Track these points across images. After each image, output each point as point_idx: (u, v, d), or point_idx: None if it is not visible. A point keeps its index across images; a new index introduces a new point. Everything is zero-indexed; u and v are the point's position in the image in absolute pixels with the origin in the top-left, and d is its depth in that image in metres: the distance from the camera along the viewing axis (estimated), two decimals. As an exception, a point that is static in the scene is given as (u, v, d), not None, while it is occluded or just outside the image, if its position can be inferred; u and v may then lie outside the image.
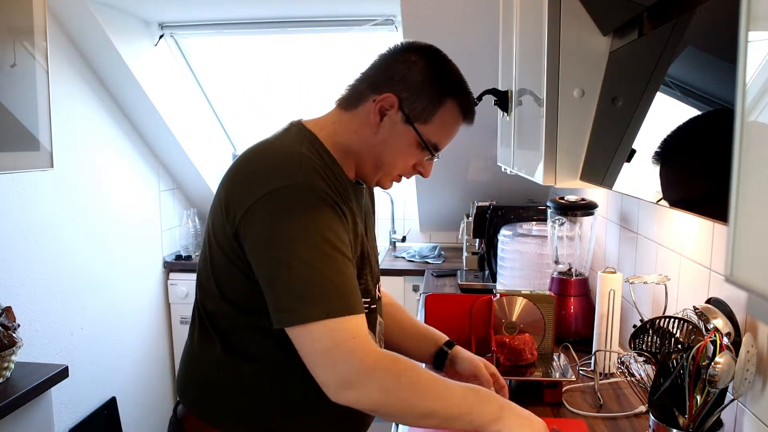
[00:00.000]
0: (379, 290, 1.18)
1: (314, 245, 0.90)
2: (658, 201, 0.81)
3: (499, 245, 2.21)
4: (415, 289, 2.93)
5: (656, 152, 0.82)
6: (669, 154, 0.80)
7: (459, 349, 1.29)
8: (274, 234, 0.91)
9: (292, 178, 0.92)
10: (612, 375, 1.55)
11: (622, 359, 1.24)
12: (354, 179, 1.09)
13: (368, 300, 1.07)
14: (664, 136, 0.81)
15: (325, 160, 1.01)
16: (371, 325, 1.09)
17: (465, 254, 2.75)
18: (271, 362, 1.01)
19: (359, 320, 0.91)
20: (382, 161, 1.04)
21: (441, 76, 1.01)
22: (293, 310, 0.89)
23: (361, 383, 0.89)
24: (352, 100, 1.04)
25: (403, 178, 1.12)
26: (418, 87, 1.00)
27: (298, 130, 1.04)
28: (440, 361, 1.29)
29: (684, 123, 0.78)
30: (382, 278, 1.34)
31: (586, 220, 1.88)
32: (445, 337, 1.32)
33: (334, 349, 0.88)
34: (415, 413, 0.92)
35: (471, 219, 2.59)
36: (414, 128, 1.01)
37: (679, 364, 1.04)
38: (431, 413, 0.92)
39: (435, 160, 1.10)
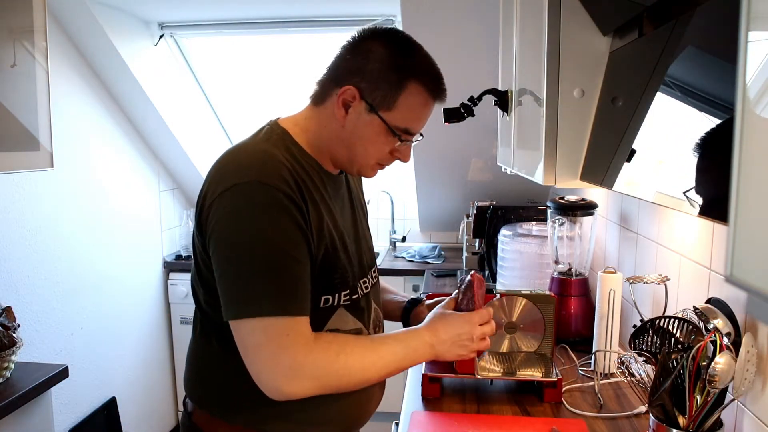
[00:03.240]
0: (373, 277, 1.20)
1: (259, 245, 0.92)
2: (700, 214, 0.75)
3: (499, 245, 2.21)
4: (415, 289, 2.93)
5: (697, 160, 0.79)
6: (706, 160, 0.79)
7: (422, 309, 1.32)
8: (224, 231, 0.94)
9: (249, 176, 0.94)
10: (612, 375, 1.55)
11: (622, 359, 1.24)
12: (338, 171, 1.13)
13: (347, 292, 1.07)
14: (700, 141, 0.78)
15: (294, 155, 1.02)
16: (359, 315, 1.11)
17: (465, 254, 2.75)
18: None
19: (295, 321, 0.93)
20: (355, 152, 1.05)
21: (399, 60, 1.00)
22: (232, 305, 0.93)
23: (292, 379, 0.93)
24: (319, 95, 1.06)
25: (390, 165, 1.13)
26: (377, 75, 0.99)
27: (269, 128, 1.07)
28: (406, 319, 1.34)
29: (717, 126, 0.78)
30: (383, 278, 1.34)
31: (586, 220, 1.88)
32: (404, 299, 1.37)
33: (266, 345, 0.92)
34: (352, 386, 1.00)
35: (471, 219, 2.59)
36: (379, 116, 1.01)
37: (679, 364, 1.04)
38: (368, 379, 1.01)
39: (415, 142, 1.09)
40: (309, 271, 0.98)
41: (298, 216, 0.95)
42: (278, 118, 1.11)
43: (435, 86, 1.03)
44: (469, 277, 1.21)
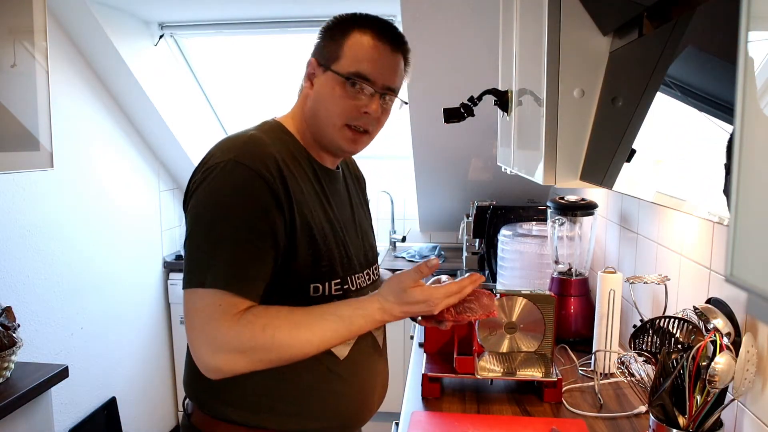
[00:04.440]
0: (373, 275, 1.19)
1: (219, 221, 0.95)
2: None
3: (499, 245, 2.21)
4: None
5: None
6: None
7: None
8: (195, 207, 0.98)
9: (227, 156, 0.97)
10: (612, 375, 1.55)
11: (622, 359, 1.24)
12: (336, 167, 1.15)
13: (338, 282, 1.07)
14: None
15: (286, 144, 1.06)
16: None
17: (465, 254, 2.75)
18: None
19: (232, 297, 0.93)
20: (320, 118, 1.06)
21: (341, 18, 1.07)
22: (184, 275, 0.96)
23: (216, 352, 0.93)
24: (300, 86, 1.12)
25: (365, 127, 1.08)
26: (323, 37, 1.08)
27: (264, 122, 1.11)
28: None
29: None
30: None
31: (586, 220, 1.88)
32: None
33: (197, 316, 0.93)
34: (288, 359, 0.97)
35: (471, 219, 2.59)
36: (331, 71, 1.04)
37: (679, 364, 1.04)
38: (306, 353, 0.97)
39: (382, 95, 1.06)
40: (272, 255, 0.97)
41: (270, 198, 0.96)
42: (276, 116, 1.15)
43: (380, 28, 1.05)
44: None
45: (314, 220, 1.04)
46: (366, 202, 1.32)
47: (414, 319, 1.18)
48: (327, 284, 1.05)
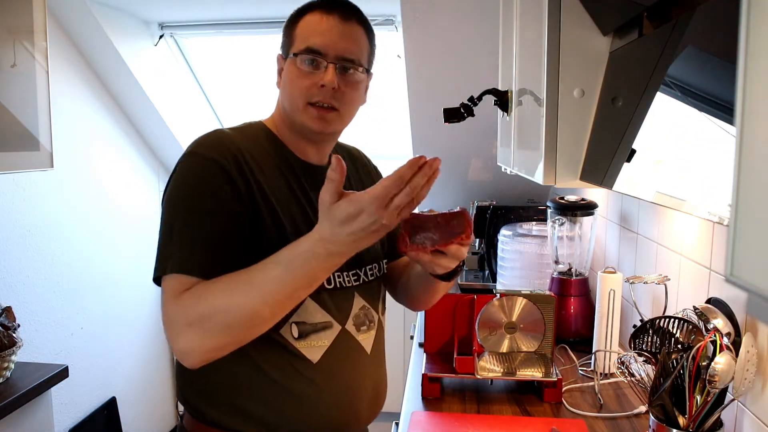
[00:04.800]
0: (368, 274, 1.12)
1: (174, 209, 0.96)
2: None
3: (499, 245, 2.21)
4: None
5: None
6: None
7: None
8: (164, 196, 1.01)
9: (190, 149, 1.00)
10: (612, 375, 1.55)
11: (622, 359, 1.24)
12: (326, 163, 1.11)
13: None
14: None
15: (260, 140, 1.07)
16: (330, 308, 1.03)
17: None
18: (244, 357, 0.99)
19: (188, 278, 0.91)
20: (287, 105, 1.07)
21: (296, 10, 1.08)
22: (156, 263, 0.96)
23: (171, 331, 0.91)
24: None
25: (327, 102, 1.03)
26: (283, 33, 1.09)
27: (246, 122, 1.12)
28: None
29: None
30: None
31: (586, 220, 1.88)
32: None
33: (164, 303, 0.92)
34: (237, 322, 0.87)
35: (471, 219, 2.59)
36: (288, 57, 1.05)
37: (679, 364, 1.04)
38: (253, 310, 0.87)
39: (328, 64, 1.01)
40: (232, 235, 0.95)
41: (224, 181, 0.96)
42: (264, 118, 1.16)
43: (328, 3, 1.04)
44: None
45: (285, 213, 1.01)
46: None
47: (403, 252, 0.93)
48: None
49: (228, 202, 0.96)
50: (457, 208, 0.94)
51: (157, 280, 0.96)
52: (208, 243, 0.94)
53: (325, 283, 1.03)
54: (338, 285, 1.06)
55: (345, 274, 1.08)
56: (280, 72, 1.09)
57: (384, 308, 1.20)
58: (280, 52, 1.09)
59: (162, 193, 1.04)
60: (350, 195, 0.83)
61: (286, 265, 0.86)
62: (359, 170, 1.23)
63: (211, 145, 1.00)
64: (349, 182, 1.16)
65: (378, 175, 1.27)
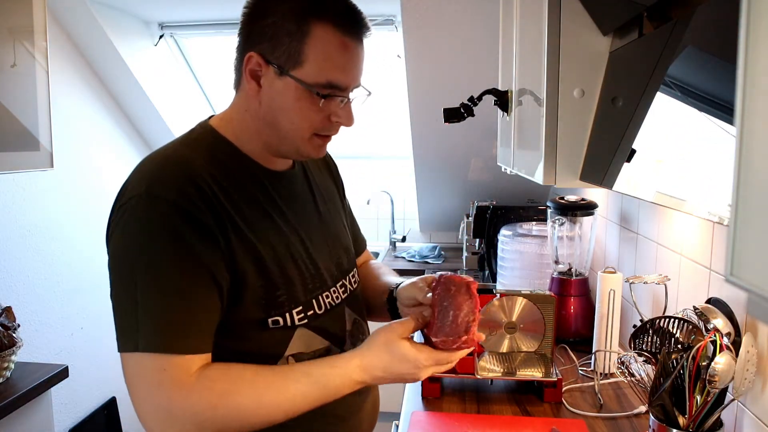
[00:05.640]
0: (352, 282, 1.07)
1: (140, 271, 0.81)
2: None
3: (499, 245, 2.21)
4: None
5: None
6: None
7: (401, 288, 1.10)
8: (112, 252, 0.85)
9: (141, 188, 0.83)
10: (612, 375, 1.55)
11: (622, 359, 1.24)
12: (291, 165, 1.02)
13: (300, 309, 0.93)
14: None
15: (217, 156, 0.91)
16: (326, 333, 0.98)
17: (465, 254, 2.75)
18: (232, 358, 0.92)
19: (176, 358, 0.81)
20: (282, 129, 0.90)
21: (294, 3, 0.85)
22: (117, 336, 0.83)
23: (165, 421, 0.82)
24: (235, 78, 0.93)
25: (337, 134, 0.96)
26: (274, 29, 0.85)
27: (192, 129, 0.97)
28: (394, 310, 1.12)
29: None
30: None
31: (586, 220, 1.88)
32: (393, 282, 1.14)
33: (142, 383, 0.82)
34: (250, 428, 0.84)
35: (471, 219, 2.59)
36: (291, 77, 0.85)
37: (679, 364, 1.04)
38: (273, 421, 0.85)
39: (354, 99, 0.92)
40: (214, 298, 0.84)
41: (196, 235, 0.82)
42: (212, 116, 0.99)
43: (347, 21, 0.86)
44: (442, 278, 0.97)
45: (262, 242, 0.89)
46: (340, 191, 1.18)
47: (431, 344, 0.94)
48: (288, 315, 0.91)
49: (204, 256, 0.82)
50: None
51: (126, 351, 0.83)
52: (190, 312, 0.82)
53: (317, 311, 0.96)
54: (328, 306, 0.99)
55: (333, 289, 1.01)
56: (254, 75, 0.88)
57: (366, 314, 1.15)
58: (259, 53, 0.86)
59: (107, 235, 0.87)
60: (416, 344, 0.90)
61: (320, 384, 0.86)
62: (318, 165, 1.14)
63: (170, 182, 0.84)
64: (310, 189, 1.07)
65: (335, 167, 1.19)
